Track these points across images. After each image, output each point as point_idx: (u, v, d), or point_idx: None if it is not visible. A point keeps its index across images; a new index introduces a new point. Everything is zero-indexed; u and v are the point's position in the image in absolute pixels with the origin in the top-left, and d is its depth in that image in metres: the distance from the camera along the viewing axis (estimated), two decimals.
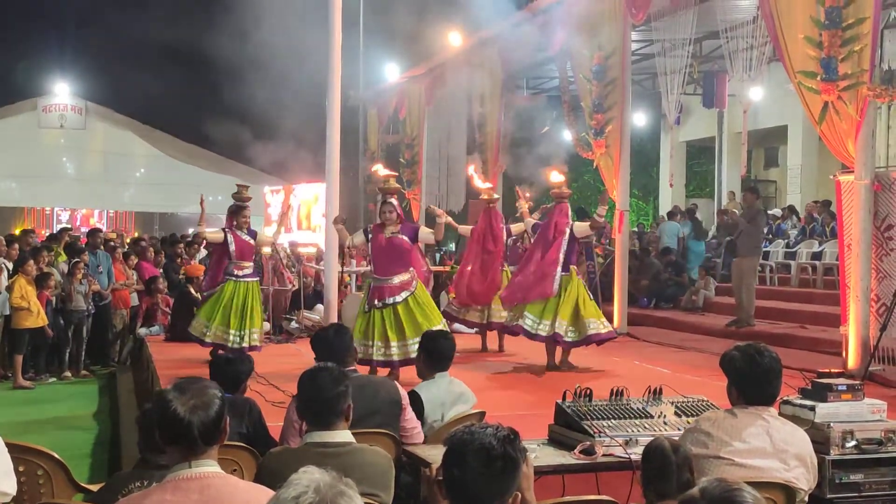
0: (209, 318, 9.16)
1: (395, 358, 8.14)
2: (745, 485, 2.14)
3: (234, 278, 9.29)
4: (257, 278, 9.83)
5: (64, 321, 11.53)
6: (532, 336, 9.18)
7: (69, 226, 22.74)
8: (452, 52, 17.85)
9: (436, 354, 5.20)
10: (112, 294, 12.59)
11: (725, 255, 16.64)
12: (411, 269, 8.52)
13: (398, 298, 8.27)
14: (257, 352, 8.73)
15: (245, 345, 9.02)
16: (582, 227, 9.39)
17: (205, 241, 17.13)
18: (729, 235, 13.23)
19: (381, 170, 9.64)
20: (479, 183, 11.48)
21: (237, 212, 9.48)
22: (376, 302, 8.29)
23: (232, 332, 9.09)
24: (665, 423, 4.63)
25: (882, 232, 8.57)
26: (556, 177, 9.63)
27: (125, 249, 14.09)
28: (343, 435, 3.38)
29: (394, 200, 8.54)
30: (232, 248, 9.34)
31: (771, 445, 3.58)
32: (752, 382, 3.70)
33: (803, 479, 3.62)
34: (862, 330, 8.58)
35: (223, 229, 9.47)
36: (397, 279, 8.35)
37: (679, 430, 4.30)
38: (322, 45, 9.54)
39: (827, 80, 8.57)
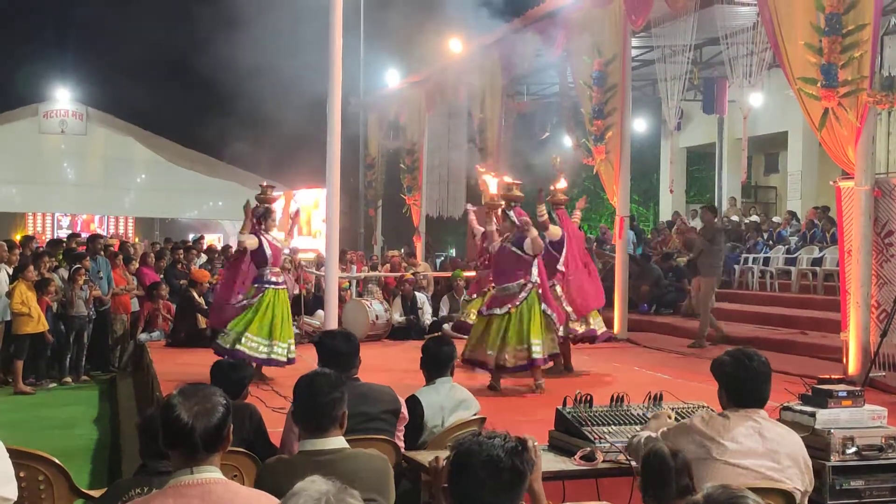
0: (246, 329, 8.67)
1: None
2: (748, 491, 2.15)
3: (272, 286, 8.87)
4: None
5: (65, 327, 11.53)
6: None
7: (71, 231, 22.73)
8: (453, 58, 17.88)
9: (436, 360, 5.20)
10: (112, 299, 12.59)
11: (726, 261, 16.66)
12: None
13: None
14: (293, 364, 8.60)
15: (292, 356, 8.76)
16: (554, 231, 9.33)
17: (204, 246, 17.33)
18: (690, 254, 13.33)
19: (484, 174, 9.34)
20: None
21: (266, 215, 9.00)
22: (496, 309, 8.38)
23: (277, 343, 8.74)
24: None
25: (882, 238, 8.57)
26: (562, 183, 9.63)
27: (133, 256, 14.04)
28: (337, 442, 3.37)
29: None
30: (268, 253, 8.85)
31: (762, 445, 3.61)
32: (741, 386, 3.74)
33: (797, 478, 3.64)
34: (862, 336, 8.58)
35: (254, 233, 8.94)
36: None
37: None
38: (322, 52, 9.56)
39: (827, 86, 8.58)
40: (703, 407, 4.92)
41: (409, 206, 20.74)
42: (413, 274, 14.66)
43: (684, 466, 3.17)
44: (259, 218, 8.94)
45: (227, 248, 17.46)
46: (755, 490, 2.50)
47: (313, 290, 13.76)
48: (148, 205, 28.63)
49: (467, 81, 17.30)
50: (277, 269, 9.00)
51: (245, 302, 8.80)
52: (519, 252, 8.41)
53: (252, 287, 8.85)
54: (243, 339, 8.61)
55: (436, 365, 5.19)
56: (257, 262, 8.89)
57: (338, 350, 4.74)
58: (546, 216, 9.21)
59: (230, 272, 9.28)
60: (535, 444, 2.92)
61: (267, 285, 8.82)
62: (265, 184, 9.48)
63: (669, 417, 4.31)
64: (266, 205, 9.04)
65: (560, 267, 9.28)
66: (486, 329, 8.37)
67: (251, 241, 8.82)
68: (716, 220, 12.67)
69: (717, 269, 12.34)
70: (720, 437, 3.59)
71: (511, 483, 2.32)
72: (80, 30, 31.60)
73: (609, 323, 13.21)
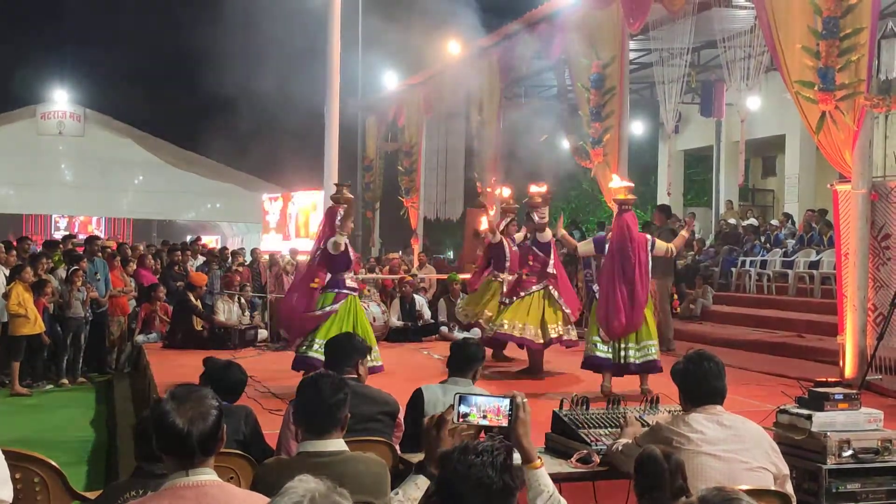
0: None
1: None
2: (743, 493, 2.15)
3: (353, 292, 8.29)
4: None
5: (62, 328, 11.51)
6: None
7: (68, 233, 22.71)
8: (451, 61, 17.90)
9: (456, 360, 5.16)
10: (109, 301, 12.59)
11: (724, 264, 16.68)
12: None
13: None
14: (380, 372, 7.91)
15: (377, 364, 7.95)
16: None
17: (202, 248, 17.31)
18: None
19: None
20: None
21: (347, 216, 8.36)
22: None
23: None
24: None
25: (879, 241, 8.58)
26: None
27: (130, 258, 14.03)
28: (337, 444, 3.38)
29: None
30: (351, 257, 8.33)
31: (723, 432, 3.72)
32: (695, 384, 3.86)
33: (765, 459, 3.73)
34: (859, 339, 8.59)
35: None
36: None
37: None
38: (321, 54, 9.57)
39: (824, 89, 8.60)
40: None
41: (407, 209, 20.76)
42: (413, 276, 14.66)
43: (678, 468, 3.19)
44: (342, 220, 8.29)
45: (224, 249, 17.46)
46: (749, 492, 2.51)
47: None
48: (145, 206, 28.65)
49: (465, 84, 17.32)
50: (352, 275, 8.47)
51: (328, 309, 8.10)
52: None
53: (329, 293, 8.18)
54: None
55: (455, 364, 5.15)
56: (338, 266, 8.25)
57: (339, 344, 4.90)
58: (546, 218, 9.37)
59: (321, 279, 8.34)
60: (524, 400, 2.92)
61: (347, 291, 8.21)
62: (339, 183, 8.89)
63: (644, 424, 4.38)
64: (345, 205, 8.39)
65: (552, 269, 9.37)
66: None
67: (342, 244, 8.18)
68: (668, 220, 12.54)
69: (668, 270, 11.78)
70: (683, 430, 3.71)
71: (502, 501, 2.28)
72: (79, 32, 31.67)
73: None
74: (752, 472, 3.67)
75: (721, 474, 3.53)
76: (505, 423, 2.90)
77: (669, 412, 4.84)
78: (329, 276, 8.24)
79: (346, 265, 8.23)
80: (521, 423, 2.87)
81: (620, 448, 4.10)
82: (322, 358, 7.59)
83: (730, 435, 3.71)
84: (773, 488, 3.65)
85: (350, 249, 8.31)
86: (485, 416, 2.91)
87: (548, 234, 9.35)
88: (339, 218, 8.16)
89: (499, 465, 2.29)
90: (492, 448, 2.34)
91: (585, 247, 8.69)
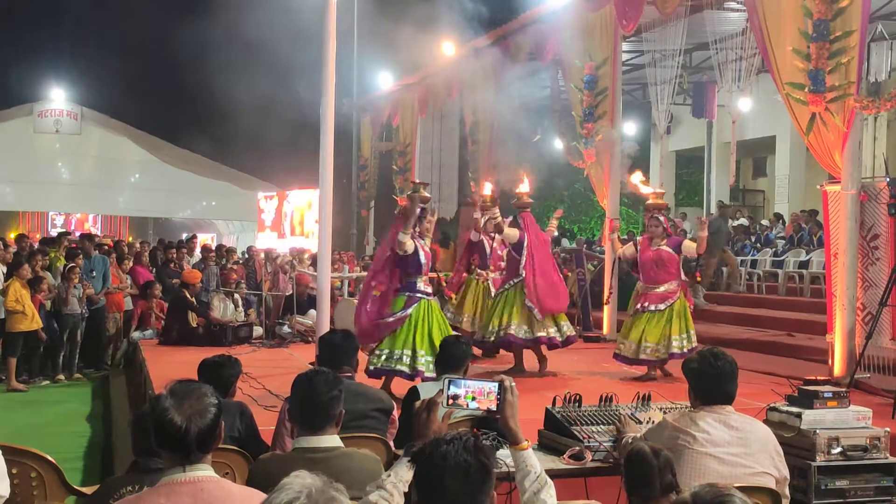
0: (403, 347, 7.69)
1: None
2: (735, 490, 2.19)
3: (425, 296, 7.94)
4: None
5: (58, 324, 11.55)
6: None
7: (65, 230, 22.69)
8: (445, 61, 17.96)
9: (446, 357, 5.22)
10: (105, 298, 12.63)
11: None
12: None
13: (661, 306, 9.15)
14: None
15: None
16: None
17: (198, 246, 17.31)
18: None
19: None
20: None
21: (422, 216, 8.01)
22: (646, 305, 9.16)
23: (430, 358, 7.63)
24: None
25: (868, 241, 8.66)
26: (523, 188, 9.70)
27: (126, 255, 14.07)
28: (331, 440, 3.42)
29: (660, 216, 9.32)
30: (423, 260, 7.89)
31: (730, 434, 3.72)
32: (707, 383, 3.86)
33: (768, 463, 3.75)
34: (848, 338, 8.66)
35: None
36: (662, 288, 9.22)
37: None
38: (316, 54, 9.60)
39: (814, 91, 8.67)
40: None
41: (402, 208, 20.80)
42: None
43: (667, 464, 3.23)
44: (415, 219, 7.92)
45: (220, 246, 17.48)
46: (741, 489, 2.57)
47: (307, 291, 13.81)
48: (142, 204, 28.64)
49: (459, 84, 17.37)
50: (426, 279, 8.07)
51: (399, 315, 7.79)
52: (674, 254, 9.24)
53: (401, 297, 7.90)
54: (405, 357, 7.68)
55: (445, 362, 5.21)
56: (409, 269, 7.93)
57: (336, 343, 4.92)
58: (500, 218, 9.44)
59: (380, 283, 8.06)
60: (512, 384, 2.98)
61: (420, 295, 7.89)
62: (419, 181, 8.64)
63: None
64: (422, 205, 8.05)
65: (521, 270, 9.25)
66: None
67: (410, 245, 7.82)
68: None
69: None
70: (690, 429, 3.72)
71: (481, 479, 2.30)
72: (76, 30, 31.62)
73: (598, 323, 13.33)
74: (755, 476, 3.67)
75: (723, 478, 3.54)
76: (494, 405, 2.95)
77: (661, 409, 4.90)
78: (400, 279, 7.96)
79: (418, 268, 7.88)
80: (508, 406, 2.93)
81: (630, 441, 4.14)
82: (398, 368, 7.65)
83: (736, 438, 3.70)
84: (763, 485, 3.67)
85: (423, 252, 7.92)
86: (474, 399, 2.96)
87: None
88: (411, 219, 7.84)
89: (471, 446, 2.31)
90: (460, 434, 2.37)
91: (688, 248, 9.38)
